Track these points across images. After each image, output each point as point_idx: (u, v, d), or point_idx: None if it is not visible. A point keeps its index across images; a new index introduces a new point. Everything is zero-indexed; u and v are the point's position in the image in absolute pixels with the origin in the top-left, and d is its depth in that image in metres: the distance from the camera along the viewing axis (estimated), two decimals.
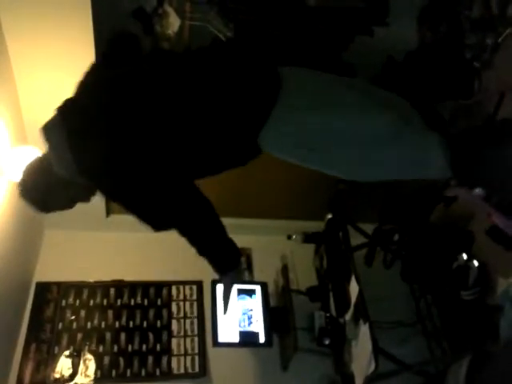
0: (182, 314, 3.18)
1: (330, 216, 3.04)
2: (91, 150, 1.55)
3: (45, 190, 1.72)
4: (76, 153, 1.56)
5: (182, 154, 1.62)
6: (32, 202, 1.76)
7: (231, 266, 1.92)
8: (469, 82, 2.53)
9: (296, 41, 2.38)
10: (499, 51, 2.45)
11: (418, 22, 2.59)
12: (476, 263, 2.68)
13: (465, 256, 2.70)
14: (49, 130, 1.64)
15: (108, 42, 1.94)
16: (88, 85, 1.69)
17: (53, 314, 3.05)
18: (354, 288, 2.58)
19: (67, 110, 1.63)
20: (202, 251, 1.85)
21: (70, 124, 1.58)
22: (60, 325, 3.01)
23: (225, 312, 2.03)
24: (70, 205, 1.81)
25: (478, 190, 1.70)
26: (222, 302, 2.02)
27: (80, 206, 3.05)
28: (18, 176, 2.45)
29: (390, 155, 1.59)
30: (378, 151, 1.58)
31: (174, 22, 2.30)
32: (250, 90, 1.56)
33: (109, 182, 1.62)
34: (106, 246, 3.29)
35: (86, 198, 1.82)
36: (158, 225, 1.70)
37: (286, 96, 1.54)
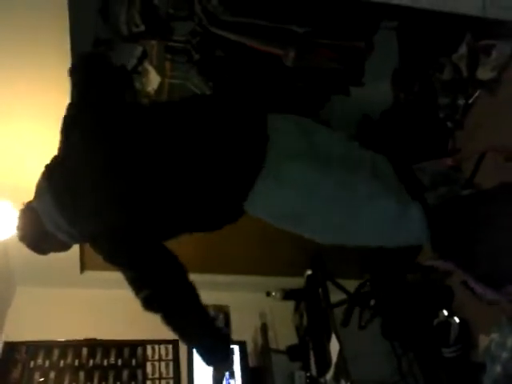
0: (157, 375, 3.07)
1: (309, 272, 3.02)
2: (81, 215, 1.56)
3: (39, 239, 1.74)
4: (66, 217, 1.57)
5: (165, 212, 1.61)
6: (29, 248, 1.78)
7: (222, 357, 1.85)
8: (443, 141, 2.61)
9: (274, 99, 2.43)
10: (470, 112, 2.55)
11: (391, 82, 2.68)
12: (457, 320, 2.66)
13: (445, 312, 2.69)
14: (40, 191, 1.64)
15: (78, 61, 1.95)
16: (73, 143, 1.67)
17: (20, 375, 2.91)
18: (334, 346, 2.53)
19: (53, 173, 1.63)
20: (190, 342, 1.83)
21: (57, 191, 1.58)
22: None
23: None
24: (65, 249, 1.81)
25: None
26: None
27: (54, 262, 3.01)
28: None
29: (371, 216, 1.59)
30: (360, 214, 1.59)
31: (153, 80, 2.34)
32: (236, 154, 1.55)
33: (101, 245, 1.63)
34: (80, 304, 3.19)
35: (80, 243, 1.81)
36: (145, 304, 1.67)
37: (272, 162, 1.52)
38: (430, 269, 2.87)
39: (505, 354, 2.14)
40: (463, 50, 2.48)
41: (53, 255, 2.67)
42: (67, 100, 1.84)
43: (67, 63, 2.08)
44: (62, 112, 1.80)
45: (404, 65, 2.66)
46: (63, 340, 3.08)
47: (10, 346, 2.99)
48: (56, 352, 3.04)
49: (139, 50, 2.34)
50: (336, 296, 3.00)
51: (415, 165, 1.89)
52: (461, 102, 2.59)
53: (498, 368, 2.14)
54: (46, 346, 3.04)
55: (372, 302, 2.91)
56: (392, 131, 2.71)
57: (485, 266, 1.56)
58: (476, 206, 1.62)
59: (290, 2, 2.11)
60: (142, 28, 2.23)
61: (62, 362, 3.00)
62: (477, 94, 2.58)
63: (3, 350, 2.97)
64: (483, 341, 2.51)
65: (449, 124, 2.63)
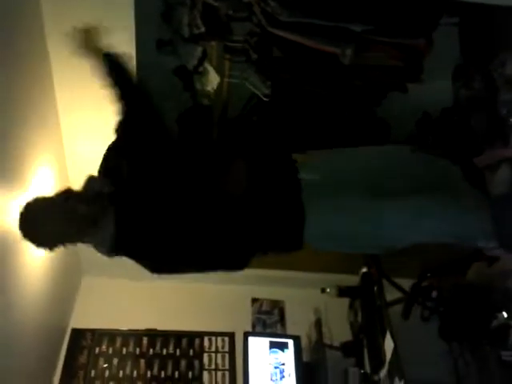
0: (213, 366, 3.16)
1: (364, 270, 3.01)
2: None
3: (55, 229, 1.63)
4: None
5: None
6: (29, 233, 1.62)
7: None
8: (504, 138, 2.53)
9: (331, 97, 2.45)
10: None
11: (452, 78, 2.63)
12: None
13: (505, 314, 2.61)
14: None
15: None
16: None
17: (86, 361, 3.07)
18: (389, 344, 2.51)
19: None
20: None
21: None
22: (93, 372, 3.03)
23: None
24: (56, 246, 1.67)
25: None
26: None
27: None
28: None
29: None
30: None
31: (213, 80, 2.42)
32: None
33: None
34: (141, 295, 3.33)
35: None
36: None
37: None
38: (492, 259, 2.79)
39: None
40: None
41: None
42: None
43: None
44: None
45: (466, 60, 2.60)
46: (126, 329, 3.23)
47: (78, 333, 3.17)
48: (119, 340, 3.19)
49: (199, 50, 2.42)
50: (391, 295, 2.97)
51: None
52: None
53: None
54: (110, 334, 3.20)
55: (434, 294, 2.86)
56: (453, 129, 2.66)
57: None
58: None
59: (348, 2, 2.12)
60: (203, 29, 2.30)
61: (124, 350, 3.15)
62: None
63: (71, 336, 3.15)
64: None
65: (511, 120, 2.54)
